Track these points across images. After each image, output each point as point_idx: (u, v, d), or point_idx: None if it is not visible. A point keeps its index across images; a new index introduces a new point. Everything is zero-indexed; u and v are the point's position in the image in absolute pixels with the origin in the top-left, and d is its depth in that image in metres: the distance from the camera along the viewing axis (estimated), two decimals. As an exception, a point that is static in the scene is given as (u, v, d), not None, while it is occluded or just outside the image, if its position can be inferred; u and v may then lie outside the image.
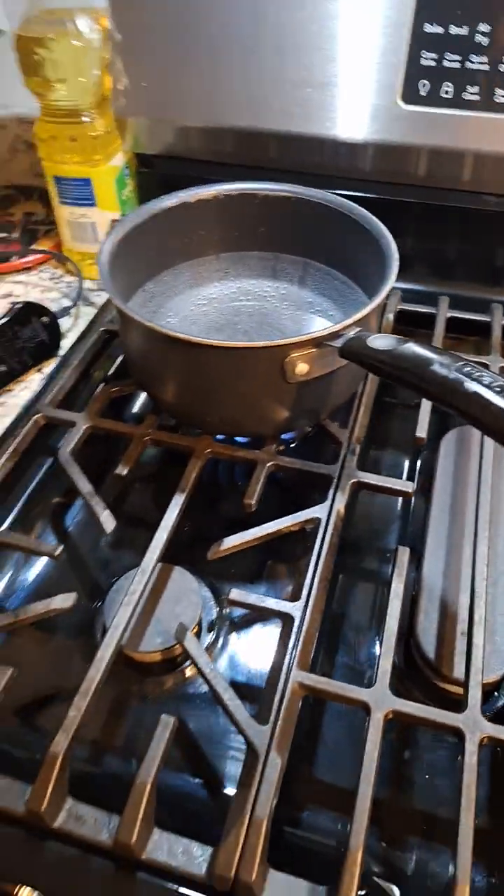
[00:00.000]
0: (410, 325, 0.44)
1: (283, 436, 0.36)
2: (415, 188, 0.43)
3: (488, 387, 0.21)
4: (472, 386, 0.22)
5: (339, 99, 0.40)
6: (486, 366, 0.39)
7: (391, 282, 0.31)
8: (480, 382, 0.21)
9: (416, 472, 0.37)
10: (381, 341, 0.26)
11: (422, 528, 0.33)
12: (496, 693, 0.28)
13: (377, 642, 0.30)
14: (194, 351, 0.30)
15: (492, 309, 0.44)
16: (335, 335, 0.29)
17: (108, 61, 0.42)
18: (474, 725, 0.24)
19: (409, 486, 0.33)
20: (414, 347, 0.25)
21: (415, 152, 0.41)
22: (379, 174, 0.43)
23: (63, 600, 0.28)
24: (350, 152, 0.42)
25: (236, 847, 0.22)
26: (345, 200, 0.37)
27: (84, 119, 0.43)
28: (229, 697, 0.25)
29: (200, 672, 0.26)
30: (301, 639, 0.27)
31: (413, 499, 0.34)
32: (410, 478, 0.37)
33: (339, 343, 0.28)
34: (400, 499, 0.36)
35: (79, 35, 0.40)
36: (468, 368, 0.22)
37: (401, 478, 0.36)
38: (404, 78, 0.38)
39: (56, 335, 0.43)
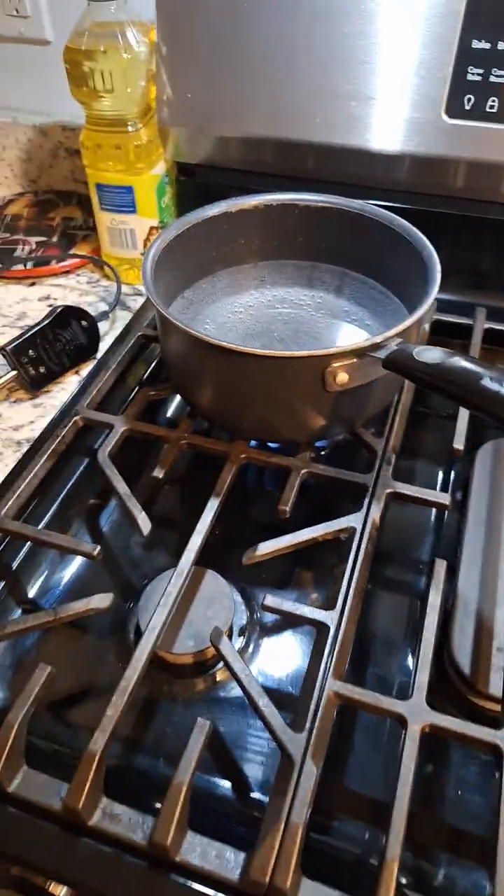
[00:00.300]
0: (446, 335, 0.44)
1: (316, 443, 0.36)
2: (453, 200, 0.43)
3: (540, 402, 0.21)
4: (523, 401, 0.21)
5: (383, 112, 0.40)
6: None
7: (434, 293, 0.31)
8: (531, 397, 0.21)
9: (451, 484, 0.37)
10: (428, 354, 0.26)
11: (456, 540, 0.33)
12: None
13: (409, 654, 0.29)
14: (235, 359, 0.30)
15: (528, 322, 0.43)
16: (377, 346, 0.29)
17: (153, 73, 0.43)
18: (513, 743, 0.24)
19: (446, 498, 0.32)
20: (462, 362, 0.25)
21: (456, 165, 0.41)
22: (418, 185, 0.43)
23: (101, 600, 0.28)
24: (390, 164, 0.42)
25: (271, 853, 0.22)
26: (385, 212, 0.38)
27: (129, 129, 0.44)
28: (265, 704, 0.25)
29: (235, 677, 0.26)
30: (336, 648, 0.27)
31: (447, 511, 0.34)
32: (445, 489, 0.37)
33: (381, 354, 0.28)
34: (433, 510, 0.35)
35: (128, 48, 0.41)
36: (519, 383, 0.22)
37: (435, 489, 0.35)
38: (449, 92, 0.38)
39: (95, 338, 0.44)
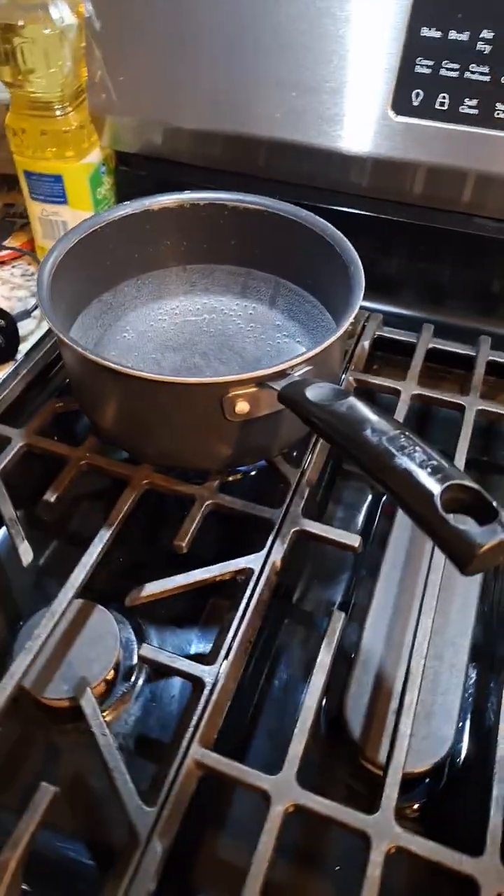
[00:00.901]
0: (389, 352, 0.41)
1: (235, 469, 0.33)
2: (409, 207, 0.39)
3: (420, 465, 0.18)
4: (403, 462, 0.19)
5: (326, 105, 0.36)
6: (461, 407, 0.36)
7: (352, 316, 0.28)
8: (412, 459, 0.19)
9: (376, 518, 0.34)
10: (316, 391, 0.23)
11: (371, 582, 0.30)
12: (427, 780, 0.26)
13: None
14: (129, 382, 0.27)
15: (479, 342, 0.40)
16: (279, 375, 0.26)
17: (84, 52, 0.40)
18: (383, 831, 0.22)
19: (356, 541, 0.30)
20: (352, 403, 0.22)
21: (409, 168, 0.37)
22: (372, 190, 0.39)
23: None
24: (340, 164, 0.39)
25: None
26: (318, 218, 0.34)
27: (56, 112, 0.41)
28: (119, 771, 0.23)
29: (95, 738, 0.24)
30: (208, 710, 0.24)
31: (365, 550, 0.31)
32: (368, 525, 0.34)
33: (280, 385, 0.26)
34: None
35: (50, 22, 0.37)
36: (402, 441, 0.19)
37: (355, 524, 0.33)
38: (396, 85, 0.34)
39: (14, 339, 0.41)
